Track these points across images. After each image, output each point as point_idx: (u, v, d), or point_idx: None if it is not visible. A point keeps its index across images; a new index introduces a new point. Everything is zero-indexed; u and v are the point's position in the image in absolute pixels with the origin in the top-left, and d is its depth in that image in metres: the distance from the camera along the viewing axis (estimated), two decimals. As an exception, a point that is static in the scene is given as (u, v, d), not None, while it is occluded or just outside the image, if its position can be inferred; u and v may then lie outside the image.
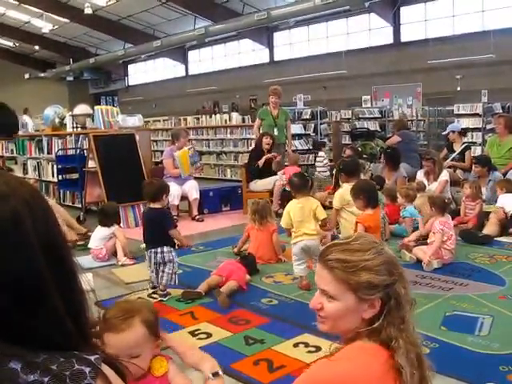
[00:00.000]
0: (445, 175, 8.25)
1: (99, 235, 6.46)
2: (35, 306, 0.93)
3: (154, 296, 4.99)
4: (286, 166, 9.62)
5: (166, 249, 4.94)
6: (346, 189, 5.79)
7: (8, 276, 0.92)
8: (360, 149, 11.74)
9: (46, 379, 0.88)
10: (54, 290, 0.95)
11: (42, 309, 0.94)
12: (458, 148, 10.39)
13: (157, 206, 5.13)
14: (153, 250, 4.94)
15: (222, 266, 5.36)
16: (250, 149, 11.10)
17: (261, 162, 9.07)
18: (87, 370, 0.92)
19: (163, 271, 4.94)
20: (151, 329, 2.24)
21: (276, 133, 9.71)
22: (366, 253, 1.72)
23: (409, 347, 1.64)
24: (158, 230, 5.04)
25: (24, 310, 0.92)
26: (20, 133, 12.24)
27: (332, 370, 1.63)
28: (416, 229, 6.69)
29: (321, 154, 11.50)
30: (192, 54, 30.15)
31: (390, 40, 21.01)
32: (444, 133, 11.52)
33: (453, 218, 7.15)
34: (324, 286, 1.74)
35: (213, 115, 18.43)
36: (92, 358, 0.94)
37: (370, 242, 1.78)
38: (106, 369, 0.96)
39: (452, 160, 10.13)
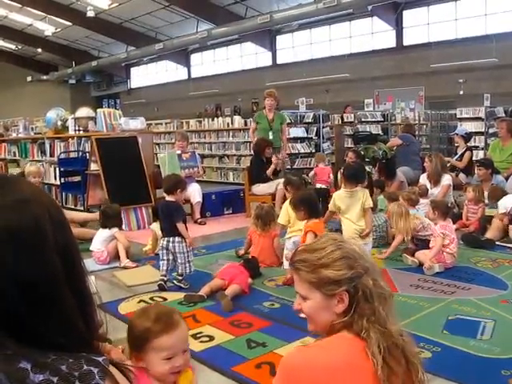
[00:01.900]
0: (447, 179, 8.22)
1: (100, 237, 6.45)
2: (49, 308, 0.96)
3: (156, 299, 5.01)
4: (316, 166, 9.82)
5: (177, 239, 5.29)
6: (337, 194, 5.72)
7: (26, 277, 0.94)
8: (362, 152, 11.74)
9: (55, 379, 0.89)
10: (67, 293, 0.97)
11: (56, 311, 0.96)
12: (460, 151, 10.57)
13: (171, 198, 5.49)
14: (166, 239, 5.33)
15: (224, 269, 5.37)
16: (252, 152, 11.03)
17: (269, 173, 9.05)
18: (96, 370, 0.94)
19: (176, 261, 5.31)
20: (186, 324, 2.35)
21: (271, 136, 9.72)
22: (323, 250, 1.80)
23: (380, 338, 1.66)
24: (170, 221, 5.37)
25: (38, 312, 0.94)
26: (21, 135, 12.31)
27: (302, 355, 1.70)
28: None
29: None
30: (194, 57, 30.17)
31: (392, 43, 21.00)
32: (451, 134, 11.77)
33: (455, 222, 7.16)
34: (296, 288, 1.86)
35: (215, 118, 18.45)
36: (100, 358, 0.96)
37: (329, 239, 1.86)
38: (113, 370, 0.97)
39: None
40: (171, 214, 5.38)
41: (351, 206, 5.63)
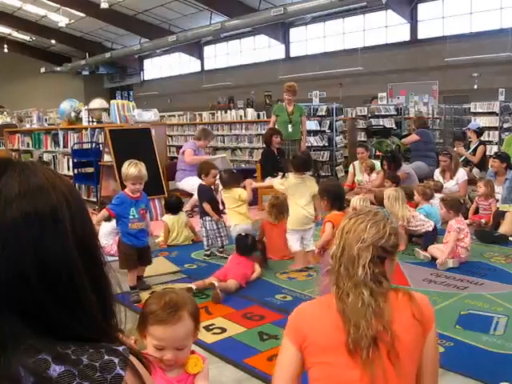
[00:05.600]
0: (463, 175, 8.26)
1: (104, 231, 6.33)
2: (67, 297, 0.95)
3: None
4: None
5: (208, 218, 6.09)
6: (289, 178, 5.79)
7: (43, 265, 0.93)
8: (375, 146, 11.72)
9: (76, 370, 0.89)
10: (85, 283, 0.97)
11: (73, 300, 0.96)
12: (473, 146, 10.59)
13: (202, 182, 6.30)
14: (203, 218, 6.15)
15: (223, 268, 5.31)
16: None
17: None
18: (116, 360, 0.93)
19: (215, 235, 6.10)
20: (196, 321, 2.29)
21: (290, 129, 9.63)
22: None
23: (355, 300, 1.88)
24: (200, 202, 6.22)
25: (56, 301, 0.94)
26: (35, 126, 12.37)
27: (299, 307, 2.02)
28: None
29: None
30: (207, 50, 30.18)
31: (406, 37, 20.92)
32: (464, 129, 11.77)
33: (466, 217, 7.14)
34: None
35: (228, 111, 18.44)
36: (120, 348, 0.96)
37: None
38: (133, 359, 0.97)
39: (465, 158, 10.32)
40: (199, 195, 6.24)
41: (301, 192, 5.63)
